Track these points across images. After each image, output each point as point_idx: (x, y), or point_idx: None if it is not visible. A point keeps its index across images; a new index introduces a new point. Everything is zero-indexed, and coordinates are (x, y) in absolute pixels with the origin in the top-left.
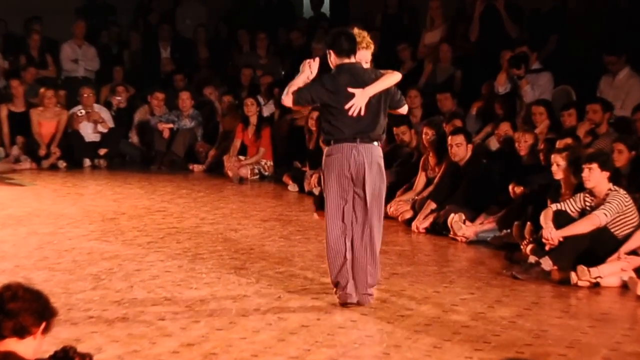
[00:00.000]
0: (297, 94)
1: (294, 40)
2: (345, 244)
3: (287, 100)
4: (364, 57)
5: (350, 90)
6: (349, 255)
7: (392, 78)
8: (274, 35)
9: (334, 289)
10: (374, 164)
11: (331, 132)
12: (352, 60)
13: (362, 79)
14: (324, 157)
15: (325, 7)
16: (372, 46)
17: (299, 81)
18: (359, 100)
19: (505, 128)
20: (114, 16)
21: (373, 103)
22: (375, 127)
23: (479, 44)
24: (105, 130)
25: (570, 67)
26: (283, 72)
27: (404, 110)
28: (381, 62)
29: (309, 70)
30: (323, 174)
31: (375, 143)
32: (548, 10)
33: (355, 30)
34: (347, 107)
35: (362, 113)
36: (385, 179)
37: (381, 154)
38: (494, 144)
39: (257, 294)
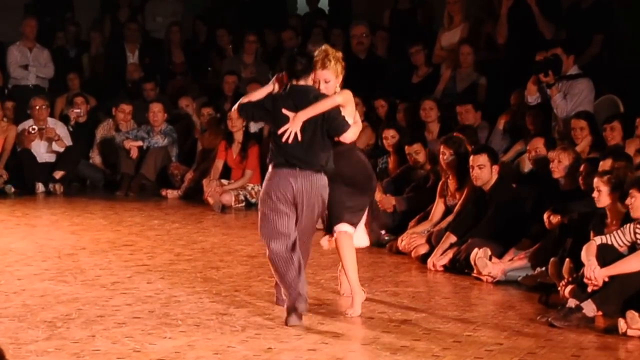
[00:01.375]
0: (243, 106)
1: (286, 42)
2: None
3: (234, 109)
4: (322, 76)
5: (285, 112)
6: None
7: (326, 102)
8: (261, 36)
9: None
10: (315, 196)
11: (273, 155)
12: (304, 82)
13: (304, 102)
14: (265, 179)
15: (324, 3)
16: (333, 65)
17: (259, 94)
18: (291, 124)
19: (537, 145)
20: (72, 13)
21: (307, 129)
22: (312, 155)
23: (507, 46)
24: (61, 150)
25: (617, 73)
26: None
27: (345, 137)
28: (391, 67)
29: (275, 85)
30: (261, 196)
31: (318, 173)
32: (590, 4)
33: (323, 48)
34: (279, 131)
35: (299, 139)
36: (324, 208)
37: (325, 184)
38: (526, 165)
39: (243, 345)
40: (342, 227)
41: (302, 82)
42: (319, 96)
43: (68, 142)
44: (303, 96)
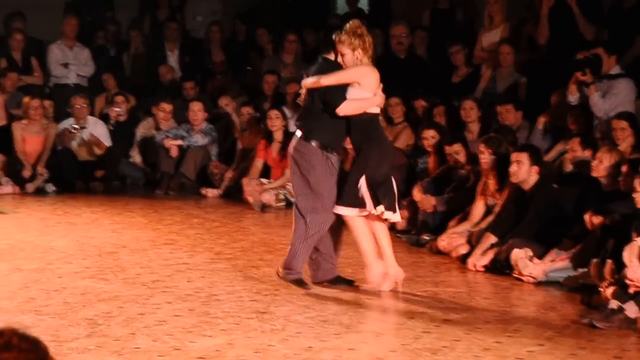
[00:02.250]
0: None
1: None
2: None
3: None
4: (339, 50)
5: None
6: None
7: (330, 77)
8: (301, 36)
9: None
10: (290, 156)
11: None
12: (327, 54)
13: (310, 72)
14: None
15: (363, 3)
16: (347, 39)
17: None
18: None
19: (574, 145)
20: (112, 12)
21: (308, 97)
22: (303, 121)
23: (548, 46)
24: (101, 152)
25: None
26: None
27: (339, 110)
28: (430, 66)
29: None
30: None
31: (298, 134)
32: (633, 4)
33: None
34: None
35: (302, 104)
36: (304, 172)
37: (299, 148)
38: (567, 165)
39: (284, 344)
40: (337, 210)
41: (330, 55)
42: (322, 69)
43: (108, 142)
44: (312, 67)
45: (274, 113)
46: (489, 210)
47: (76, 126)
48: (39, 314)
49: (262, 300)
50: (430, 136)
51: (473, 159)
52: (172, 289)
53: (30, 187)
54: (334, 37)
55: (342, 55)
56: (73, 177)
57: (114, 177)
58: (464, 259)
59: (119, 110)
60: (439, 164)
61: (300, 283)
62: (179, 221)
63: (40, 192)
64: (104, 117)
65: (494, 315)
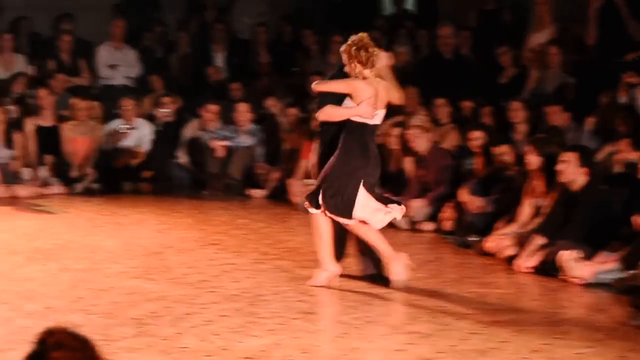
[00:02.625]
0: None
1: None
2: None
3: None
4: None
5: None
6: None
7: (325, 85)
8: (348, 37)
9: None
10: None
11: None
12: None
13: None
14: None
15: (410, 3)
16: (343, 52)
17: None
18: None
19: (623, 147)
20: (159, 13)
21: None
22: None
23: (597, 47)
24: (139, 159)
25: None
26: None
27: (317, 115)
28: (476, 67)
29: None
30: None
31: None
32: None
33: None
34: None
35: None
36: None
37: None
38: (616, 166)
39: (330, 344)
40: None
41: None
42: (333, 77)
43: (147, 146)
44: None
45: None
46: (536, 212)
47: (124, 126)
48: (88, 313)
49: (308, 300)
50: (476, 137)
51: (520, 160)
52: (219, 289)
53: (78, 187)
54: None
55: (345, 64)
56: (120, 178)
57: (160, 178)
58: (511, 260)
59: (166, 112)
60: (485, 165)
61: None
62: (225, 222)
63: (87, 193)
64: (151, 118)
65: (542, 317)
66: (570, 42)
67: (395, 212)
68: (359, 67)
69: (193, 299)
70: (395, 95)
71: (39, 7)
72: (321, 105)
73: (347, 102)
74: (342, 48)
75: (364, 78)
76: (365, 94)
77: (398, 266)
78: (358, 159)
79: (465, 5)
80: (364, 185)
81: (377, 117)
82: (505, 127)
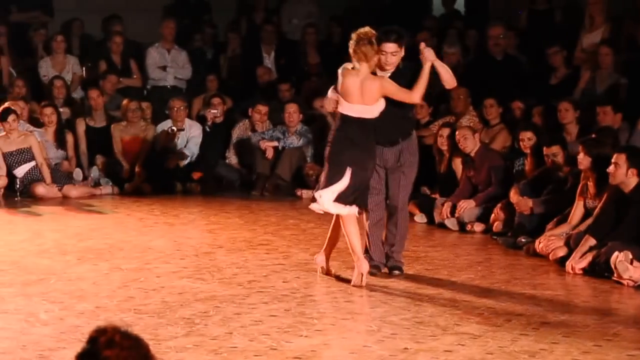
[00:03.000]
0: None
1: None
2: None
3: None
4: None
5: None
6: None
7: None
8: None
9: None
10: None
11: None
12: None
13: None
14: None
15: (460, 3)
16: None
17: None
18: None
19: None
20: (209, 15)
21: None
22: None
23: None
24: (184, 162)
25: None
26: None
27: None
28: (526, 68)
29: None
30: None
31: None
32: None
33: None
34: None
35: None
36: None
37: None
38: None
39: (379, 345)
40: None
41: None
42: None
43: (196, 147)
44: None
45: None
46: (588, 213)
47: (174, 128)
48: (138, 312)
49: (357, 301)
50: (527, 138)
51: (571, 160)
52: (268, 289)
53: (128, 187)
54: None
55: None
56: (170, 178)
57: (210, 179)
58: (562, 261)
59: (215, 112)
60: (536, 166)
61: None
62: (275, 222)
63: (138, 193)
64: (201, 119)
65: (593, 318)
66: (622, 42)
67: (348, 209)
68: (353, 59)
69: (242, 299)
70: (399, 94)
71: (91, 9)
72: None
73: (330, 92)
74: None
75: (354, 69)
76: (345, 82)
77: (359, 270)
78: (343, 151)
79: (516, 6)
80: (351, 174)
81: (362, 111)
82: (556, 128)
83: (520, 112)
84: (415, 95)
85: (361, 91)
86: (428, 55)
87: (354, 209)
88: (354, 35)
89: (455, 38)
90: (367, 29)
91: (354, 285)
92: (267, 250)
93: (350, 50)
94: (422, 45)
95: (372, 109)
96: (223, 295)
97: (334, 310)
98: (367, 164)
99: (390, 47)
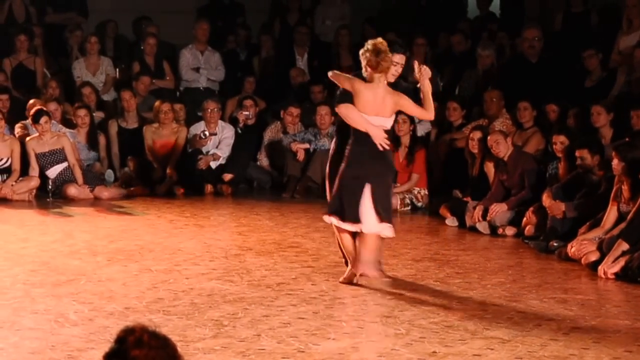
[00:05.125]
0: None
1: (455, 45)
2: None
3: None
4: None
5: None
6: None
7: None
8: (433, 40)
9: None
10: None
11: None
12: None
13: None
14: None
15: (495, 6)
16: (360, 53)
17: None
18: None
19: None
20: (243, 16)
21: None
22: None
23: None
24: (215, 164)
25: None
26: (441, 83)
27: (337, 108)
28: (562, 70)
29: None
30: None
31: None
32: None
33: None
34: None
35: None
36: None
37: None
38: None
39: (408, 348)
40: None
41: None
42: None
43: (227, 151)
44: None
45: (401, 118)
46: (621, 217)
47: (207, 133)
48: (167, 314)
49: (386, 304)
50: (560, 141)
51: (605, 164)
52: (297, 291)
53: (159, 189)
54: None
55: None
56: (201, 180)
57: (241, 181)
58: (594, 266)
59: (247, 114)
60: (569, 170)
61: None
62: (305, 224)
63: (169, 195)
64: (233, 121)
65: (624, 324)
66: None
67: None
68: (368, 70)
69: (271, 301)
70: (416, 110)
71: (125, 11)
72: (337, 97)
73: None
74: (360, 51)
75: (371, 81)
76: (366, 100)
77: (349, 273)
78: (362, 166)
79: (553, 8)
80: (371, 190)
81: (380, 122)
82: (591, 131)
83: (555, 114)
84: (431, 113)
85: (381, 103)
86: (425, 73)
87: (381, 228)
88: (370, 46)
89: (489, 40)
90: (380, 39)
91: (341, 281)
92: (297, 252)
93: (367, 62)
94: (417, 63)
95: (389, 121)
96: (252, 297)
97: (362, 313)
98: (388, 174)
99: (399, 58)
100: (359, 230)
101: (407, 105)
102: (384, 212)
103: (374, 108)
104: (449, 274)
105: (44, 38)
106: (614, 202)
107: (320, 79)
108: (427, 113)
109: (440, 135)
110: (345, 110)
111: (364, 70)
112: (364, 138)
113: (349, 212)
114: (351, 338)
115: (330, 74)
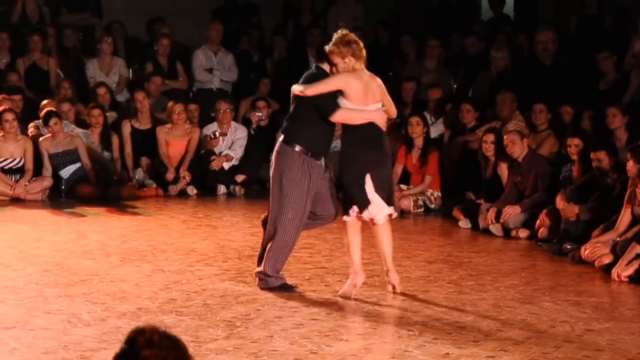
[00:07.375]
0: None
1: (469, 47)
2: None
3: None
4: (331, 60)
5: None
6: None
7: (313, 86)
8: (446, 42)
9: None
10: (272, 159)
11: None
12: (321, 64)
13: (299, 80)
14: None
15: (509, 8)
16: (336, 48)
17: None
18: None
19: None
20: (257, 18)
21: (293, 103)
22: (288, 125)
23: None
24: (228, 165)
25: None
26: (455, 85)
27: (333, 118)
28: (576, 73)
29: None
30: None
31: (283, 143)
32: None
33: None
34: None
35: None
36: (279, 174)
37: (282, 152)
38: None
39: (421, 350)
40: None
41: (324, 65)
42: (307, 77)
43: (240, 152)
44: (305, 73)
45: (414, 119)
46: (635, 220)
47: (217, 133)
48: (179, 314)
49: (399, 305)
50: (574, 144)
51: (620, 167)
52: (310, 292)
53: (172, 189)
54: (325, 49)
55: (335, 65)
56: (215, 181)
57: (254, 182)
58: (607, 268)
59: (260, 115)
60: (583, 172)
61: (284, 287)
62: None
63: (182, 195)
64: (246, 122)
65: (638, 326)
66: None
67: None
68: (353, 60)
69: (284, 302)
70: (385, 99)
71: (138, 11)
72: (325, 106)
73: (345, 102)
74: (330, 48)
75: (354, 70)
76: (358, 88)
77: (352, 281)
78: (357, 157)
79: (567, 10)
80: (371, 179)
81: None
82: (606, 134)
83: (569, 117)
84: (393, 110)
85: (370, 89)
86: None
87: (390, 210)
88: (342, 38)
89: (503, 43)
90: (345, 31)
91: (340, 295)
92: (310, 253)
93: (352, 52)
94: None
95: (380, 106)
96: (264, 298)
97: (375, 314)
98: (386, 162)
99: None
100: (374, 220)
101: (384, 89)
102: (388, 199)
103: (366, 96)
104: (462, 275)
105: (57, 39)
106: (628, 204)
107: None
108: (391, 108)
109: (453, 137)
110: (341, 117)
111: (346, 62)
112: (354, 130)
113: (361, 204)
114: (364, 339)
115: (306, 90)
